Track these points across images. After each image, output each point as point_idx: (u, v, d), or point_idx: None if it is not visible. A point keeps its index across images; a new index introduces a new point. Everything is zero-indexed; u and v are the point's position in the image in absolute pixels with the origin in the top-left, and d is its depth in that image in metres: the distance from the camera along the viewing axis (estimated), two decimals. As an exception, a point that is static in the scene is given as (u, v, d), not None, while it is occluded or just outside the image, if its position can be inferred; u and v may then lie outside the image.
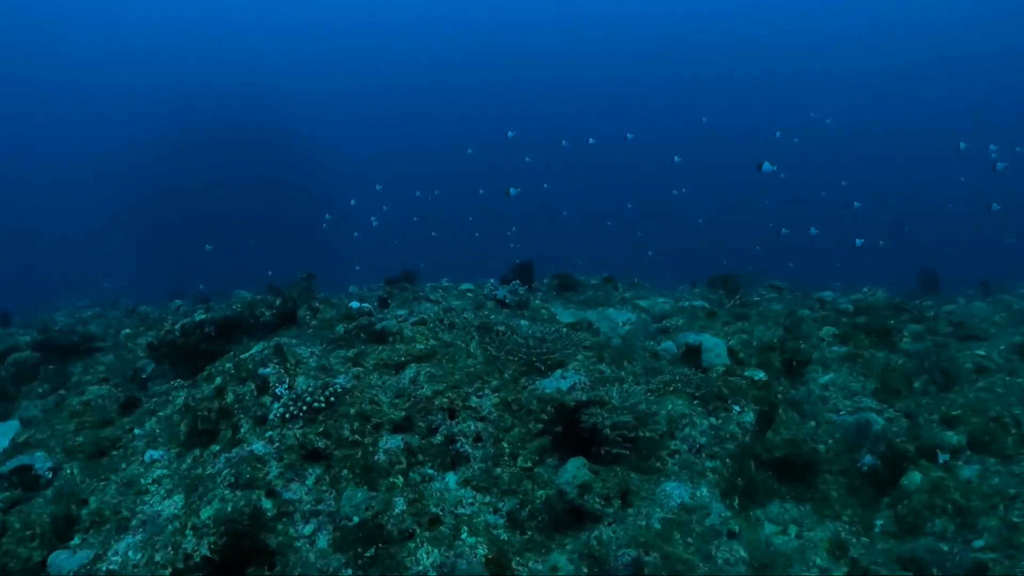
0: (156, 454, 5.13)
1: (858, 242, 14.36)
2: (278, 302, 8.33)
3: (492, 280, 9.32)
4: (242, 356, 5.39)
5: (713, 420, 5.27)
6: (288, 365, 5.21)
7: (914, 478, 5.81)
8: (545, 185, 26.31)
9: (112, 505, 4.67)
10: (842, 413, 6.87)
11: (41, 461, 5.21)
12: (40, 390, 9.16)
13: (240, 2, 65.41)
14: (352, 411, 4.67)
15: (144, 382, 8.40)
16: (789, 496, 5.91)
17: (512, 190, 12.09)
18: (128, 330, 9.63)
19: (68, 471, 5.05)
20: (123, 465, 5.11)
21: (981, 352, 7.97)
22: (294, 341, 5.72)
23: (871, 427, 6.45)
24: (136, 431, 5.49)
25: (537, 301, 8.34)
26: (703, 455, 5.00)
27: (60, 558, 4.36)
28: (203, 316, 8.42)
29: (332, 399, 4.70)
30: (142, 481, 4.85)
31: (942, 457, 6.06)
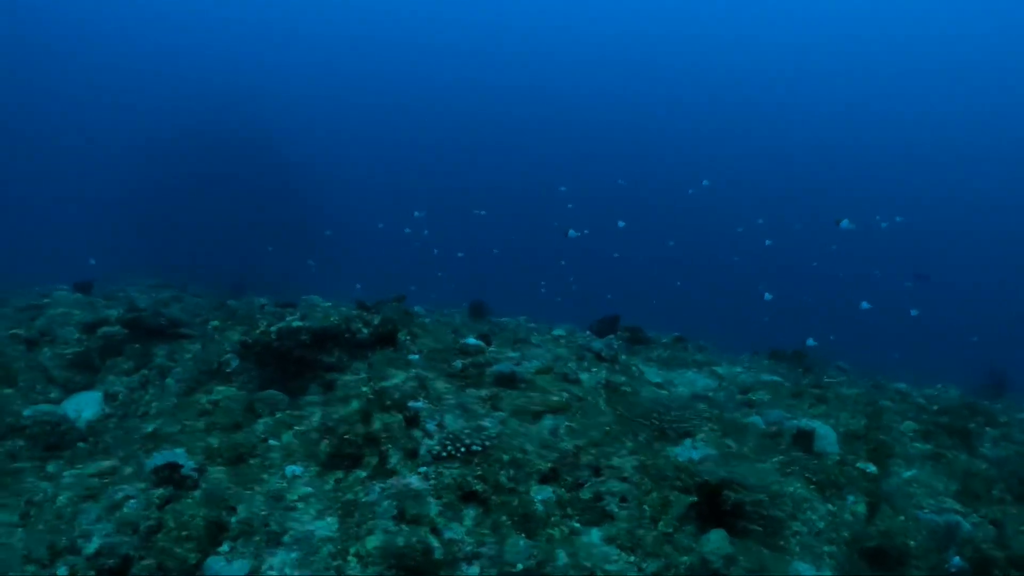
0: (297, 470, 5.31)
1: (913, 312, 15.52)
2: (376, 320, 8.53)
3: (586, 332, 9.54)
4: (384, 384, 5.60)
5: (830, 507, 5.46)
6: (432, 399, 5.42)
7: (1005, 588, 5.94)
8: (483, 212, 25.41)
9: (261, 517, 4.84)
10: (926, 511, 7.01)
11: (183, 459, 5.40)
12: (125, 367, 9.34)
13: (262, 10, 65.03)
14: (506, 457, 4.87)
15: (228, 376, 8.60)
16: (880, 588, 6.04)
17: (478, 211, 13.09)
18: (216, 322, 9.84)
19: (215, 475, 5.23)
20: (264, 476, 5.29)
21: (1057, 465, 8.10)
22: (431, 375, 5.92)
23: (960, 529, 6.59)
24: (272, 442, 5.68)
25: (623, 356, 8.55)
26: (822, 539, 5.20)
27: (217, 565, 4.54)
28: (299, 323, 8.63)
29: (487, 443, 4.90)
30: (288, 496, 5.03)
31: (1030, 571, 6.18)
